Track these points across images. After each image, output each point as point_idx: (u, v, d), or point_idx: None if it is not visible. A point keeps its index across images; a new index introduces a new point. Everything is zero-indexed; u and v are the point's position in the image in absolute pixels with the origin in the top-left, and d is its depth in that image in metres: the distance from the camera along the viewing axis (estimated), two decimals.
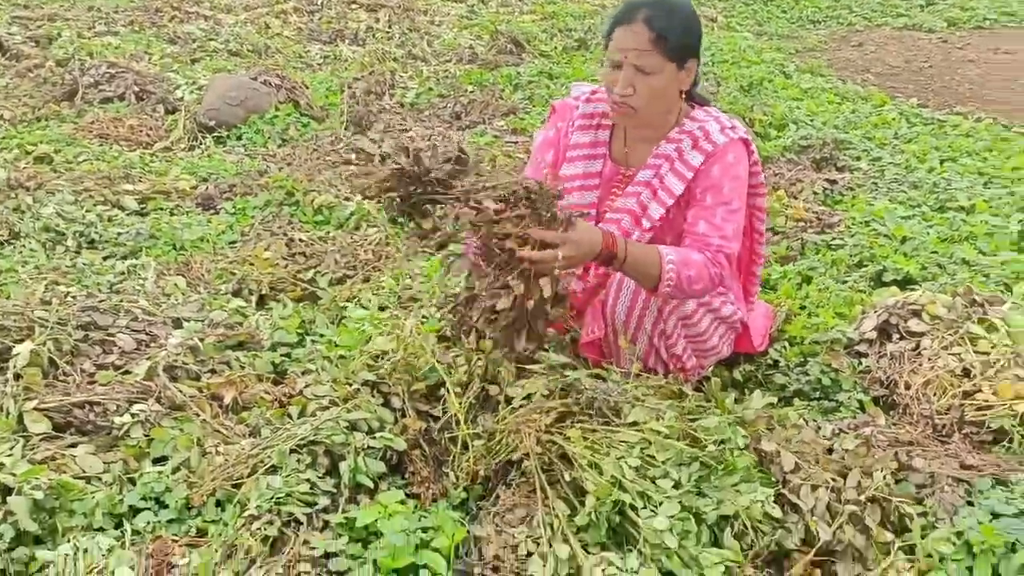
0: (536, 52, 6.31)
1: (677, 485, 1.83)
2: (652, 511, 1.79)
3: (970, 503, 2.01)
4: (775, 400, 2.39)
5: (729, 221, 2.29)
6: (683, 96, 2.35)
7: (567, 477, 1.93)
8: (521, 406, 2.26)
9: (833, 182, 4.21)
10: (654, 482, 1.84)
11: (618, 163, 2.44)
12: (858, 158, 4.51)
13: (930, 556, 1.85)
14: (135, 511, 2.02)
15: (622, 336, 2.37)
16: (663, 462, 1.91)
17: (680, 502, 1.82)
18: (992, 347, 2.47)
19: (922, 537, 1.88)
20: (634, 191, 2.38)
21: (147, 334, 2.71)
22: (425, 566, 1.82)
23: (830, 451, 2.09)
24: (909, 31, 8.07)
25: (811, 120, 5.02)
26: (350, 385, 2.35)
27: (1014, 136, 4.86)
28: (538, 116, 4.93)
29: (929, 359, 2.46)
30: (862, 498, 1.90)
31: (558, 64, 6.06)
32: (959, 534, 1.89)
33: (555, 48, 6.43)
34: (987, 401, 2.31)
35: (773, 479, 1.96)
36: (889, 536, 1.89)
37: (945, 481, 2.05)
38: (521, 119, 4.92)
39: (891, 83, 6.47)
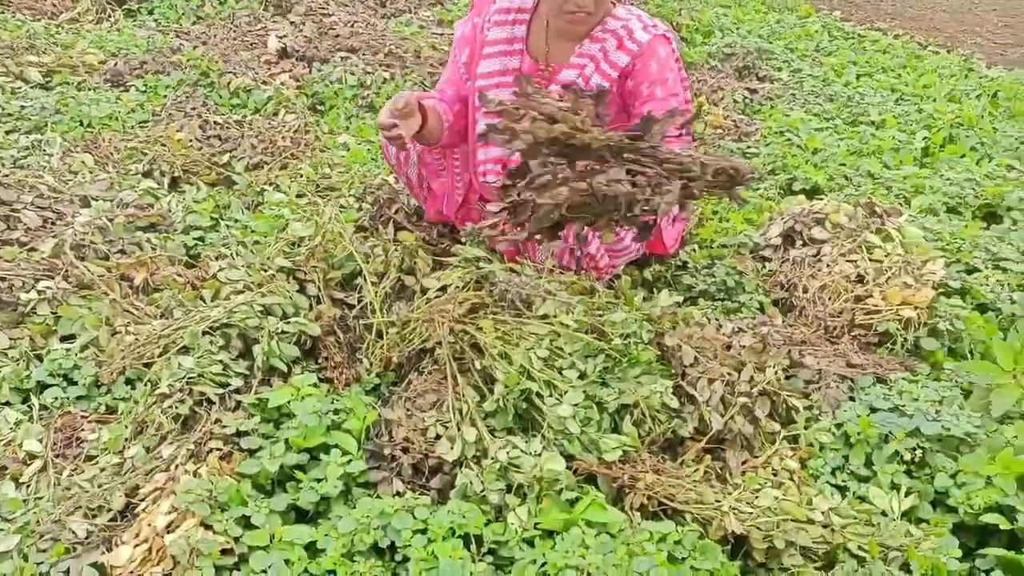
0: None
1: (582, 376, 1.91)
2: (557, 399, 1.86)
3: (852, 399, 2.16)
4: (681, 299, 2.48)
5: (683, 106, 2.35)
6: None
7: (478, 365, 1.98)
8: (436, 297, 2.31)
9: (753, 91, 4.28)
10: (560, 372, 1.91)
11: (536, 60, 2.43)
12: (779, 69, 4.58)
13: (811, 445, 2.00)
14: (43, 387, 2.01)
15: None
16: (570, 354, 1.98)
17: (584, 391, 1.90)
18: (886, 256, 2.60)
19: (805, 427, 2.02)
20: (556, 90, 2.38)
21: (53, 211, 2.64)
22: (336, 446, 1.87)
23: (728, 347, 2.20)
24: None
25: (737, 28, 5.05)
26: (265, 271, 2.35)
27: (928, 55, 4.99)
28: (466, 7, 4.82)
29: (827, 265, 2.58)
30: (754, 391, 2.02)
31: None
32: (839, 425, 2.03)
33: None
34: (876, 306, 2.45)
35: (673, 372, 2.06)
36: (776, 427, 2.03)
37: (831, 378, 2.19)
38: (448, 10, 4.82)
39: None
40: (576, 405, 1.87)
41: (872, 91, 4.34)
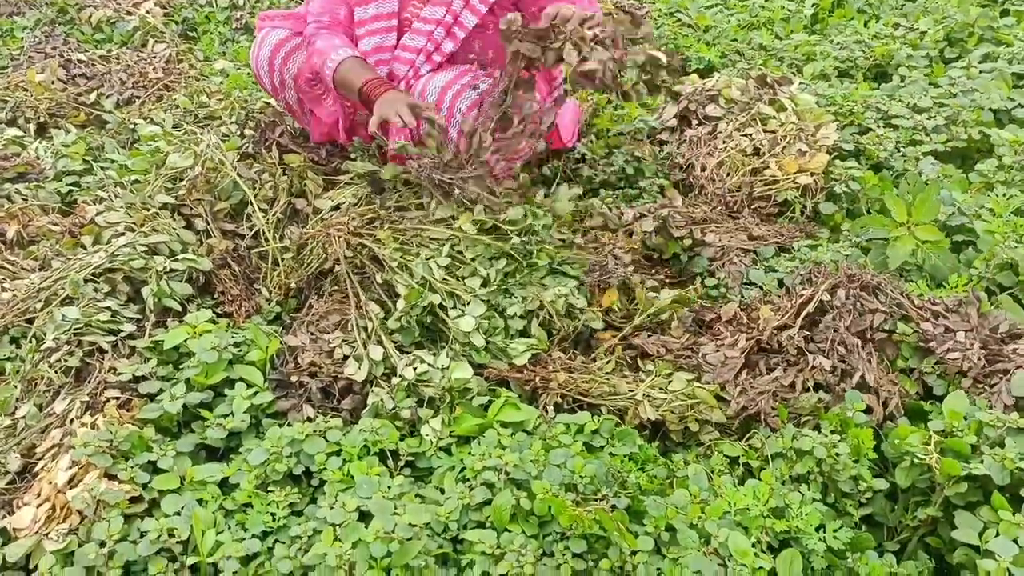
0: None
1: (485, 282, 1.88)
2: (461, 311, 1.83)
3: (757, 269, 2.19)
4: (581, 192, 2.45)
5: None
6: None
7: (379, 280, 1.93)
8: (330, 216, 2.24)
9: None
10: (463, 281, 1.87)
11: None
12: None
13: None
14: None
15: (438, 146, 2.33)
16: (472, 259, 1.94)
17: (487, 301, 1.87)
18: (780, 125, 2.60)
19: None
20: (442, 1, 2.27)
21: None
22: (240, 379, 1.81)
23: (631, 234, 2.19)
24: None
25: None
26: (147, 210, 2.24)
27: None
28: None
29: (723, 141, 2.57)
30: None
31: None
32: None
33: None
34: (774, 176, 2.46)
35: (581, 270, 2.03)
36: (691, 313, 2.02)
37: (734, 253, 2.20)
38: None
39: None
40: (479, 316, 1.83)
41: None
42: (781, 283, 2.10)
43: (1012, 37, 3.31)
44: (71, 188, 2.46)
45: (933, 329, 1.89)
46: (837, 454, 1.62)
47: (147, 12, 3.57)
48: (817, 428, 1.77)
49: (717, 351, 1.87)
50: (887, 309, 1.93)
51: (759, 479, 1.62)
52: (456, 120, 2.21)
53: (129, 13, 3.54)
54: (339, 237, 1.98)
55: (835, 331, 1.89)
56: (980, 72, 3.04)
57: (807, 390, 1.81)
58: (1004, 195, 2.33)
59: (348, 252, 1.99)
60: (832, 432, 1.70)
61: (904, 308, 1.94)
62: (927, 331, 1.88)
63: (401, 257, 1.95)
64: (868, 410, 1.77)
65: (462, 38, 2.29)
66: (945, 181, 2.43)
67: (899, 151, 2.63)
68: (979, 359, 1.82)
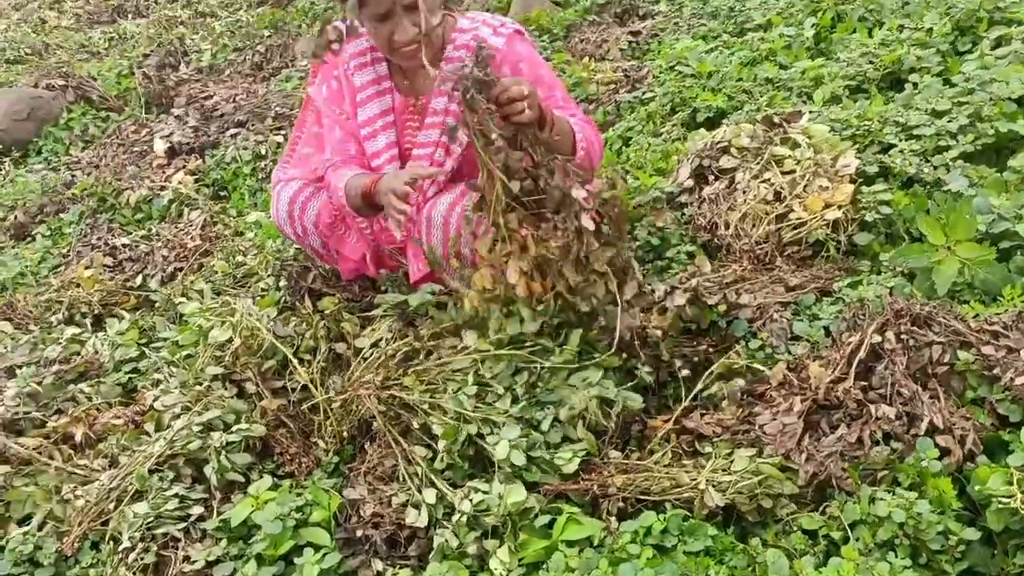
0: None
1: (515, 399, 1.87)
2: (497, 434, 1.83)
3: (801, 320, 2.13)
4: None
5: (567, 96, 2.31)
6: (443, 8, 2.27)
7: (415, 425, 1.95)
8: (371, 355, 2.28)
9: (637, 33, 4.23)
10: (494, 405, 1.87)
11: (405, 94, 2.38)
12: (656, 1, 4.52)
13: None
14: None
15: (441, 269, 2.36)
16: (494, 377, 1.94)
17: (520, 418, 1.85)
18: (797, 163, 2.55)
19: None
20: (434, 122, 2.32)
21: None
22: (308, 544, 1.84)
23: (664, 310, 2.17)
24: None
25: None
26: (200, 385, 2.31)
27: None
28: None
29: (743, 192, 2.53)
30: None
31: None
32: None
33: None
34: (800, 218, 2.41)
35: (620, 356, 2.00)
36: (740, 383, 1.97)
37: (773, 308, 2.15)
38: None
39: None
40: (514, 439, 1.82)
41: None
42: (827, 331, 2.04)
43: (1022, 15, 3.21)
44: (130, 376, 2.56)
45: (995, 353, 1.80)
46: (918, 513, 1.55)
47: (179, 183, 3.75)
48: (895, 482, 1.69)
49: (774, 419, 1.81)
50: (943, 339, 1.85)
51: (842, 556, 1.55)
52: (467, 240, 2.25)
53: (163, 187, 3.71)
54: (369, 396, 2.01)
55: (892, 375, 1.81)
56: (996, 59, 2.95)
57: (875, 443, 1.74)
58: None
59: (381, 407, 2.01)
60: (910, 487, 1.62)
61: (962, 334, 1.86)
62: (989, 356, 1.80)
63: (430, 397, 1.97)
64: (945, 452, 1.69)
65: (461, 153, 2.33)
66: (979, 186, 2.34)
67: (927, 161, 2.55)
68: None
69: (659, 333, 2.07)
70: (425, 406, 1.91)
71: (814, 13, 3.80)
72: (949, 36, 3.28)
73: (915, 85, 2.97)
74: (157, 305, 2.94)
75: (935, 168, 2.51)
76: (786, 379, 1.90)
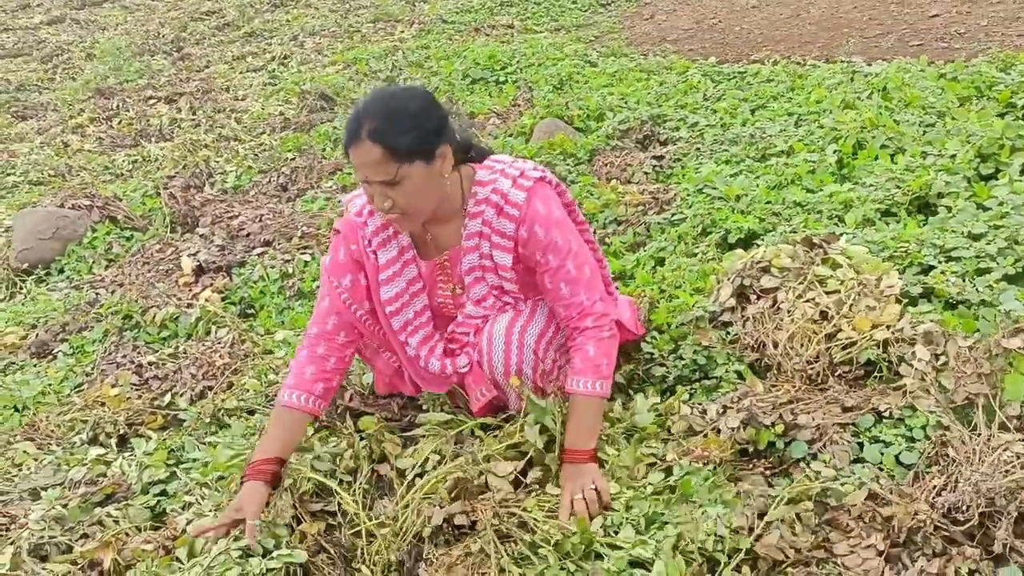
0: (348, 102, 6.22)
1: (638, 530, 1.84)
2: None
3: (860, 444, 2.08)
4: (658, 398, 2.41)
5: (582, 266, 2.25)
6: (457, 169, 2.21)
7: (526, 539, 1.91)
8: (417, 476, 2.22)
9: (660, 158, 4.32)
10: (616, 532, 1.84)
11: (430, 256, 2.34)
12: (677, 128, 4.64)
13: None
14: None
15: (507, 385, 2.33)
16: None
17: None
18: (841, 283, 2.55)
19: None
20: (475, 278, 2.30)
21: (4, 515, 2.49)
22: None
23: (718, 431, 2.12)
24: None
25: (625, 102, 5.14)
26: None
27: (808, 71, 5.11)
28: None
29: (788, 312, 2.52)
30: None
31: None
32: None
33: (365, 93, 6.36)
34: (850, 338, 2.38)
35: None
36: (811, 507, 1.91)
37: (832, 430, 2.10)
38: (348, 174, 4.83)
39: (689, 46, 6.71)
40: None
41: (771, 121, 4.40)
42: (898, 460, 1.99)
43: None
44: (158, 498, 2.47)
45: None
46: None
47: (206, 300, 3.74)
48: None
49: (852, 551, 1.73)
50: None
51: None
52: (528, 358, 2.23)
53: (190, 305, 3.70)
54: (485, 509, 1.99)
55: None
56: None
57: None
58: None
59: (494, 520, 1.97)
60: None
61: None
62: None
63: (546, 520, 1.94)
64: None
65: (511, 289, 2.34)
66: None
67: (971, 283, 2.55)
68: None
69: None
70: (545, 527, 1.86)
71: (835, 140, 3.89)
72: (973, 162, 3.35)
73: (948, 209, 3.00)
74: (186, 424, 2.87)
75: (978, 290, 2.51)
76: (864, 511, 1.82)
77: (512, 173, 2.22)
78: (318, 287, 3.11)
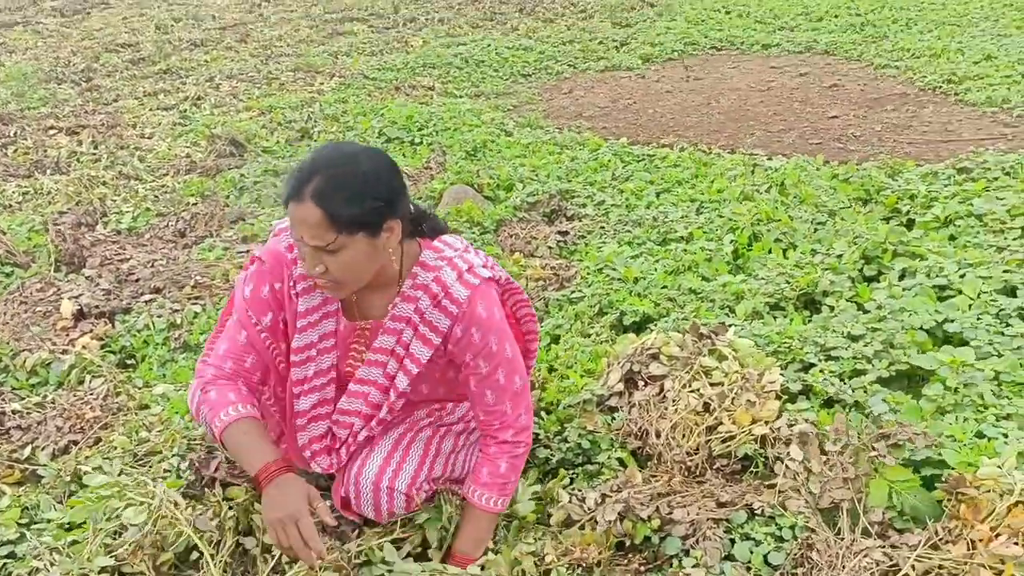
0: (259, 150, 6.13)
1: None
2: None
3: (732, 540, 2.09)
4: (539, 483, 2.39)
5: (513, 376, 2.14)
6: (403, 242, 2.06)
7: None
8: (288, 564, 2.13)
9: (565, 233, 4.37)
10: None
11: (353, 318, 2.20)
12: (584, 205, 4.72)
13: None
14: None
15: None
16: None
17: None
18: (725, 376, 2.60)
19: None
20: (378, 360, 2.16)
21: None
22: None
23: (595, 525, 2.10)
24: (611, 72, 8.66)
25: (536, 175, 5.20)
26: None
27: (713, 159, 5.29)
28: (267, 219, 4.76)
29: (673, 401, 2.55)
30: None
31: (283, 159, 5.92)
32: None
33: (278, 142, 6.28)
34: (729, 432, 2.42)
35: None
36: None
37: (706, 526, 2.11)
38: (251, 224, 4.73)
39: (603, 124, 6.87)
40: None
41: (674, 206, 4.52)
42: (766, 560, 2.01)
43: (924, 249, 3.46)
44: (4, 561, 2.30)
45: None
46: None
47: (83, 347, 3.57)
48: None
49: None
50: None
51: None
52: (399, 503, 2.18)
53: (65, 351, 3.52)
54: None
55: None
56: (903, 290, 3.14)
57: None
58: (960, 420, 2.32)
59: None
60: None
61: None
62: None
63: None
64: None
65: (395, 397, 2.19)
66: (896, 411, 2.42)
67: (845, 383, 2.63)
68: None
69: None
70: None
71: (732, 231, 4.01)
72: (857, 263, 3.49)
73: (831, 308, 3.12)
74: (44, 481, 2.70)
75: (853, 390, 2.59)
76: None
77: (460, 266, 2.06)
78: (207, 337, 3.01)
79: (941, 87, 6.87)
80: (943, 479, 2.10)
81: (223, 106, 7.42)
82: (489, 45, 9.37)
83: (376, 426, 2.21)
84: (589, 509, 2.20)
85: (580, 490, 2.32)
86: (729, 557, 2.05)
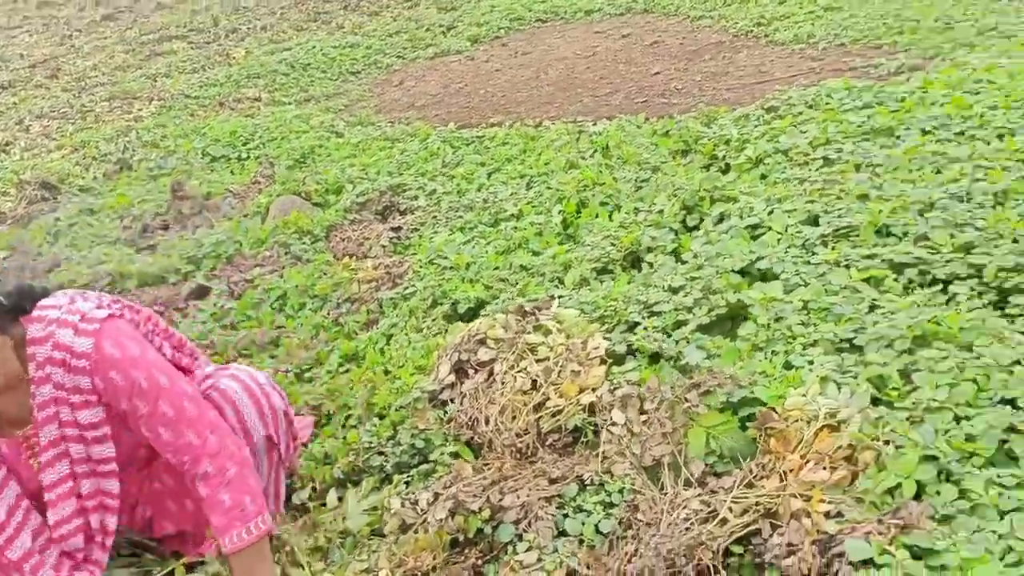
0: (74, 190, 5.78)
1: None
2: None
3: (565, 515, 2.07)
4: (373, 492, 2.32)
5: (179, 403, 2.01)
6: (6, 332, 1.94)
7: None
8: None
9: (398, 229, 4.29)
10: None
11: (9, 434, 2.07)
12: (416, 197, 4.64)
13: None
14: None
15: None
16: None
17: None
18: (550, 350, 2.58)
19: None
20: (56, 454, 2.01)
21: None
22: None
23: (426, 529, 2.05)
24: (441, 58, 8.58)
25: (366, 173, 5.09)
26: None
27: (541, 133, 5.30)
28: (86, 263, 4.48)
29: (501, 385, 2.51)
30: None
31: (102, 195, 5.61)
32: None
33: (95, 178, 5.95)
34: (557, 406, 2.40)
35: None
36: None
37: (538, 506, 2.08)
38: (65, 271, 4.45)
39: (435, 112, 6.80)
40: None
41: (504, 185, 4.49)
42: (598, 529, 2.00)
43: (737, 192, 3.54)
44: None
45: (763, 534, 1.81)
46: None
47: None
48: None
49: None
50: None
51: None
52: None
53: None
54: None
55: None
56: (719, 235, 3.20)
57: None
58: (771, 355, 2.37)
59: None
60: None
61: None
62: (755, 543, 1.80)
63: None
64: None
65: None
66: (716, 356, 2.45)
67: (670, 336, 2.65)
68: (814, 555, 1.73)
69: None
70: None
71: (560, 201, 4.01)
72: (679, 215, 3.54)
73: (651, 264, 3.15)
74: None
75: (677, 343, 2.61)
76: None
77: (71, 320, 1.94)
78: None
79: (752, 31, 7.09)
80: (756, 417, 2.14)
81: (33, 148, 6.97)
82: (314, 47, 9.14)
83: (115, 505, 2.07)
84: (422, 511, 2.14)
85: (414, 493, 2.26)
86: (563, 533, 2.03)
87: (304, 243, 4.28)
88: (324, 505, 2.32)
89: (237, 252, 4.32)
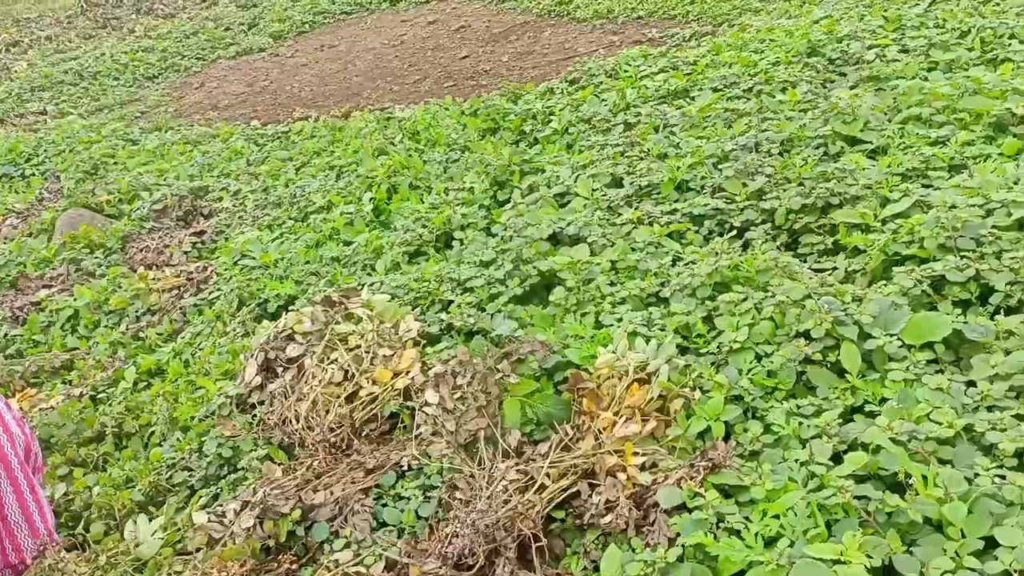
0: None
1: None
2: None
3: (384, 504, 1.97)
4: (179, 514, 2.13)
5: None
6: None
7: None
8: None
9: (202, 233, 4.04)
10: None
11: None
12: (220, 199, 4.39)
13: None
14: None
15: None
16: None
17: None
18: (361, 338, 2.46)
19: None
20: None
21: None
22: None
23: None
24: (244, 56, 8.23)
25: (164, 179, 4.78)
26: None
27: (347, 123, 5.14)
28: None
29: (308, 380, 2.37)
30: None
31: None
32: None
33: None
34: (372, 393, 2.29)
35: None
36: None
37: (354, 499, 1.97)
38: None
39: (240, 111, 6.50)
40: None
41: (312, 178, 4.32)
42: (418, 514, 1.90)
43: (545, 162, 3.53)
44: None
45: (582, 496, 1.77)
46: None
47: None
48: None
49: None
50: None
51: None
52: None
53: None
54: None
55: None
56: (527, 206, 3.17)
57: None
58: (581, 316, 2.35)
59: None
60: None
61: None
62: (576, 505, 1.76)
63: None
64: None
65: None
66: (530, 325, 2.41)
67: (483, 310, 2.59)
68: (631, 508, 1.70)
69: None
70: None
71: (370, 188, 3.88)
72: (489, 191, 3.50)
73: (462, 242, 3.08)
74: None
75: (491, 316, 2.55)
76: None
77: None
78: None
79: (555, 10, 7.19)
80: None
81: None
82: (104, 54, 8.57)
83: None
84: (231, 522, 1.98)
85: (222, 504, 2.09)
86: (383, 524, 1.93)
87: (97, 257, 3.95)
88: (120, 534, 2.11)
89: (21, 274, 3.94)
